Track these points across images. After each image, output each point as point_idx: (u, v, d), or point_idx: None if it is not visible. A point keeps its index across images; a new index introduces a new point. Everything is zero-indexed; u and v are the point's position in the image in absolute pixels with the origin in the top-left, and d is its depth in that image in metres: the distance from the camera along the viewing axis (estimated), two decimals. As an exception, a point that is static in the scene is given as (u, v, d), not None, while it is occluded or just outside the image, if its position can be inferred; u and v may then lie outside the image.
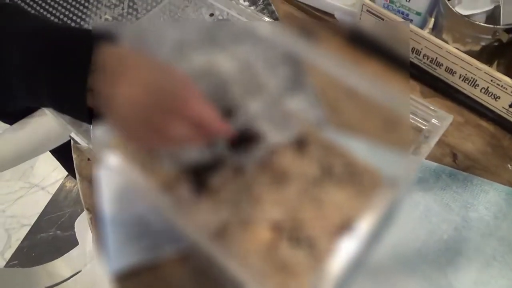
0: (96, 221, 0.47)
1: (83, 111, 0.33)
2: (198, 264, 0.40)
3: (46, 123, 0.49)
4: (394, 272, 0.43)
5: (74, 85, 0.32)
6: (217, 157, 0.42)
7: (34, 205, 1.40)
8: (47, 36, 0.33)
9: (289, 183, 0.40)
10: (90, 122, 0.34)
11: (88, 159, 0.54)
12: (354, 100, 0.43)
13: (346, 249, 0.35)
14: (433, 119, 0.39)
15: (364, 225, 0.35)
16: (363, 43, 0.42)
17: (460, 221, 0.45)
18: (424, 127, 0.39)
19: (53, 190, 1.43)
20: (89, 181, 0.53)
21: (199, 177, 0.41)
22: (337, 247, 0.35)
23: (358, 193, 0.40)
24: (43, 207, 1.39)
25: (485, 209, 0.45)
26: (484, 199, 0.46)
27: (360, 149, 0.43)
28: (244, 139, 0.42)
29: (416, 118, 0.40)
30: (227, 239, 0.38)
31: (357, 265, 0.42)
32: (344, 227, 0.38)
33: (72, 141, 0.56)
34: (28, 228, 1.35)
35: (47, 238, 1.33)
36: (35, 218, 1.37)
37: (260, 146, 0.42)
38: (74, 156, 0.56)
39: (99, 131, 0.38)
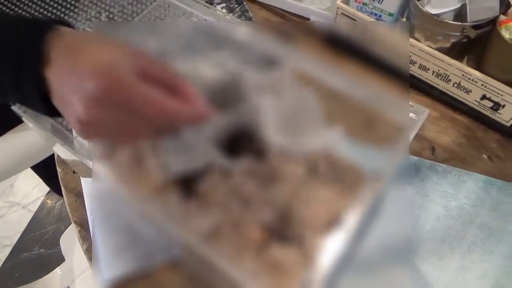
0: (85, 233, 0.47)
1: (39, 103, 0.32)
2: (191, 270, 0.41)
3: (29, 137, 0.48)
4: (383, 265, 0.44)
5: (28, 76, 0.31)
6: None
7: (16, 224, 1.37)
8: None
9: (277, 184, 0.41)
10: (52, 115, 0.33)
11: (74, 172, 0.54)
12: (334, 99, 0.44)
13: (335, 244, 0.36)
14: (410, 114, 0.41)
15: (351, 220, 0.36)
16: (344, 45, 0.43)
17: (441, 211, 0.47)
18: (402, 122, 0.41)
19: (34, 208, 1.40)
20: (75, 194, 0.53)
21: (187, 183, 0.41)
22: (326, 243, 0.36)
23: (343, 190, 0.41)
24: (25, 226, 1.36)
25: (465, 198, 0.47)
26: (463, 188, 0.48)
27: (343, 147, 0.44)
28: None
29: (394, 114, 0.42)
30: (219, 241, 0.39)
31: (347, 260, 0.43)
32: (332, 223, 0.39)
33: (55, 155, 0.55)
34: (10, 249, 1.32)
35: (31, 257, 1.30)
36: (17, 238, 1.34)
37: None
38: (58, 169, 0.55)
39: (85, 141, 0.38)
